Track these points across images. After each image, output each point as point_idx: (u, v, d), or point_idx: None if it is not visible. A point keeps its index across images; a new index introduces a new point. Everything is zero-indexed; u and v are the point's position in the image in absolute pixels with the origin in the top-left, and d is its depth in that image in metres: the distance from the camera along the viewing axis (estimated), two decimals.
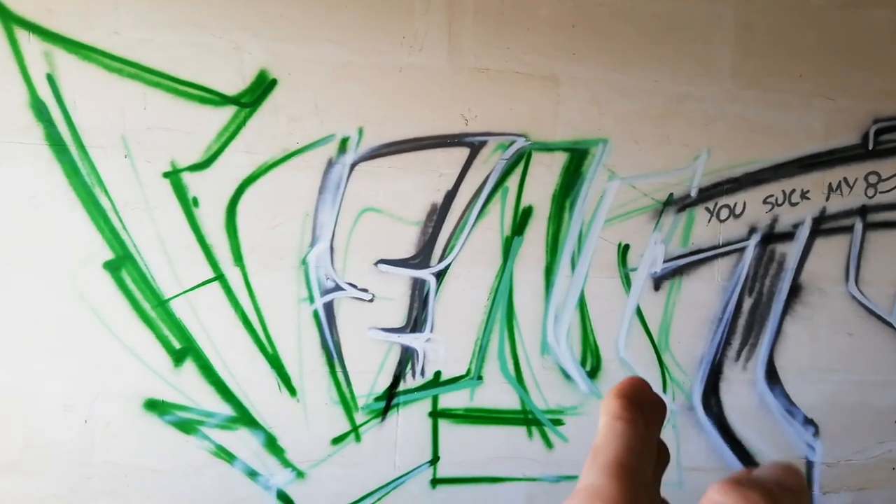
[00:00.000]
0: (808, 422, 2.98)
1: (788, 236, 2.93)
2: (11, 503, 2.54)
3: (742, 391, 2.96)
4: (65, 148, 2.45)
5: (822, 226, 2.94)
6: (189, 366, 2.57)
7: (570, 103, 2.75)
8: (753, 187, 2.91)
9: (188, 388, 2.57)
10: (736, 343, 2.93)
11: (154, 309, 2.53)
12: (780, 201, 2.91)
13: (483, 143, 2.70)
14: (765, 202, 2.91)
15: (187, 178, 2.53)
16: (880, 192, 2.99)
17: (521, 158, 2.73)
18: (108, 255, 2.49)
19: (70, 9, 2.45)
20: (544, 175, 2.76)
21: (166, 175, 2.50)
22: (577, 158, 2.77)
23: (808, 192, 2.93)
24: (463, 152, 2.69)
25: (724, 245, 2.89)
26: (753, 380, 2.96)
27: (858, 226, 2.97)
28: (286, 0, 2.54)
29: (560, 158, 2.76)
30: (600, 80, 2.77)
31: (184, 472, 2.61)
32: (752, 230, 2.90)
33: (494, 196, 2.72)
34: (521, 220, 2.74)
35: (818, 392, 3.01)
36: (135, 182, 2.49)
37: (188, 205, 2.52)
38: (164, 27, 2.51)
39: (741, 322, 2.93)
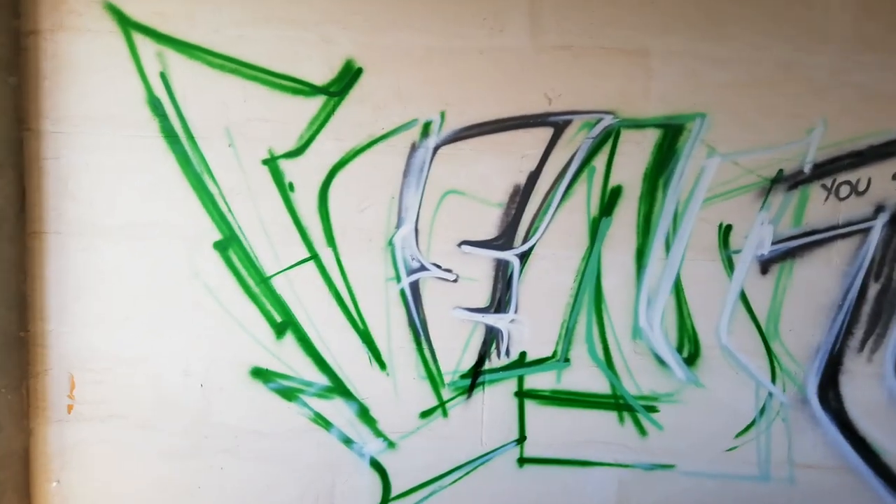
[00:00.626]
0: None
1: None
2: (145, 453, 3.30)
3: (867, 385, 3.06)
4: (177, 139, 3.13)
5: None
6: (289, 338, 3.20)
7: (663, 77, 2.99)
8: (880, 161, 2.96)
9: (289, 358, 3.21)
10: (859, 333, 3.04)
11: (258, 285, 3.18)
12: None
13: (568, 122, 3.03)
14: (894, 178, 2.99)
15: (283, 164, 3.12)
16: None
17: (609, 137, 3.03)
18: (217, 236, 3.17)
19: (177, 10, 3.08)
20: (634, 153, 3.03)
21: (265, 162, 3.13)
22: (671, 135, 3.01)
23: None
24: (546, 132, 3.04)
25: (844, 225, 3.00)
26: (881, 373, 3.05)
27: None
28: None
29: (652, 135, 3.02)
30: (696, 52, 2.97)
31: (286, 436, 3.24)
32: (880, 209, 2.98)
33: (580, 176, 3.06)
34: (610, 200, 3.06)
35: None
36: (238, 169, 3.14)
37: (285, 190, 3.13)
38: (259, 23, 3.07)
39: (866, 310, 3.03)
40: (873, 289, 3.10)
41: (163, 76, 3.21)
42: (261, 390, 3.33)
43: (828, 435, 3.18)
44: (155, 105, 3.22)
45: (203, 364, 3.34)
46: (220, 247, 3.27)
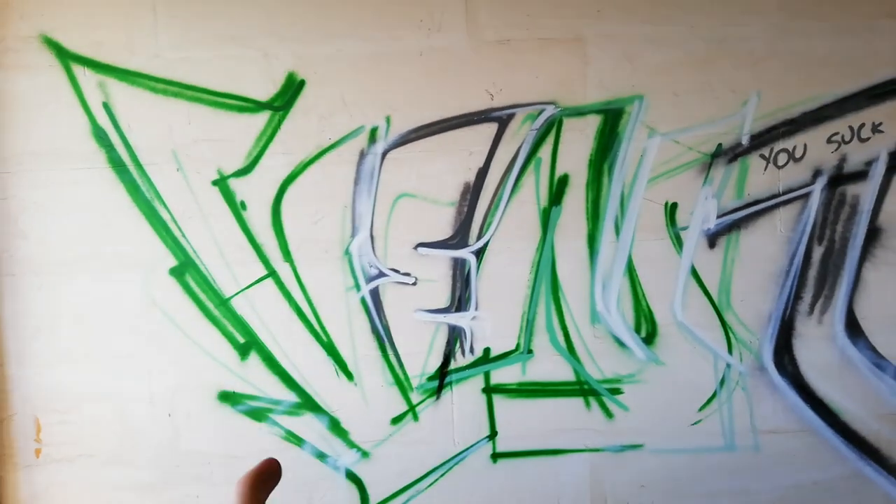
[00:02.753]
0: None
1: (861, 175, 2.26)
2: (119, 488, 2.37)
3: (820, 347, 2.32)
4: (125, 168, 2.28)
5: None
6: (254, 358, 2.34)
7: (600, 63, 2.25)
8: (815, 126, 2.25)
9: (255, 378, 2.34)
10: (808, 296, 2.31)
11: (217, 308, 2.32)
12: (847, 138, 2.25)
13: (511, 116, 2.27)
14: (829, 141, 2.26)
15: (233, 183, 2.29)
16: None
17: (552, 126, 2.27)
18: (173, 262, 2.31)
19: (115, 39, 2.26)
20: (578, 141, 2.27)
21: (215, 183, 2.29)
22: (611, 119, 2.27)
23: (880, 124, 2.24)
24: (491, 128, 2.27)
25: (784, 193, 2.28)
26: (832, 334, 2.31)
27: None
28: (305, 2, 2.25)
29: (593, 122, 2.27)
30: (631, 35, 2.25)
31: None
32: (817, 173, 2.27)
33: (527, 168, 2.29)
34: (558, 189, 2.29)
35: None
36: (188, 192, 2.29)
37: (237, 209, 2.30)
38: (197, 45, 2.26)
39: (812, 273, 2.30)
40: (817, 252, 2.32)
41: (106, 106, 2.31)
42: (229, 413, 2.38)
43: (787, 399, 2.36)
44: (100, 136, 2.32)
45: (168, 392, 2.39)
46: (177, 272, 2.35)
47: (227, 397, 2.38)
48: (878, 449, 2.36)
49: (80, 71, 2.31)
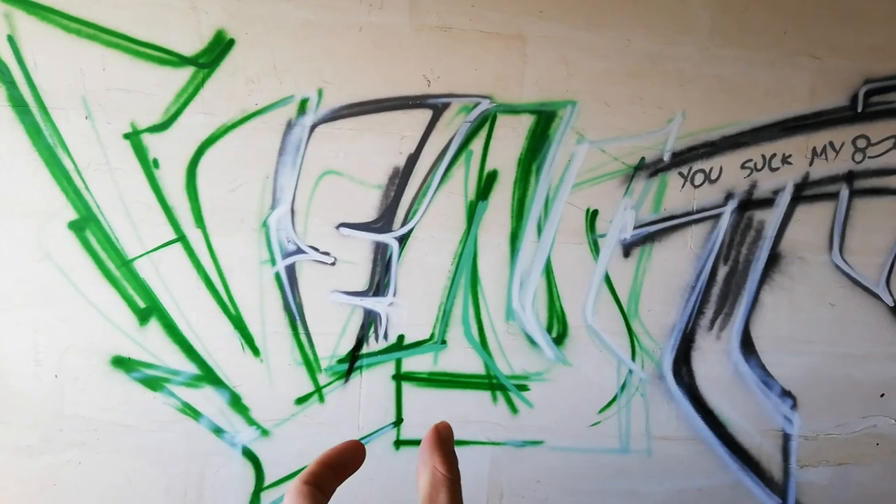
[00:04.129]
0: (786, 394, 2.02)
1: (768, 203, 1.95)
2: None
3: (715, 361, 1.99)
4: (27, 109, 1.72)
5: (805, 192, 1.95)
6: (154, 325, 1.81)
7: (538, 64, 1.84)
8: (731, 151, 1.92)
9: (154, 346, 1.82)
10: (709, 312, 1.98)
11: (118, 269, 1.78)
12: (759, 166, 1.93)
13: (446, 105, 1.83)
14: (743, 167, 1.93)
15: (147, 139, 1.75)
16: (869, 157, 1.95)
17: (486, 121, 1.84)
18: (73, 215, 1.76)
19: None
20: (510, 138, 1.86)
21: (126, 136, 1.75)
22: (544, 121, 1.86)
23: (790, 156, 1.93)
24: (426, 114, 1.83)
25: (698, 211, 1.93)
26: (727, 349, 1.99)
27: (844, 192, 1.96)
28: None
29: (526, 121, 1.86)
30: (569, 39, 1.84)
31: (151, 428, 1.85)
32: (729, 196, 1.94)
33: (458, 159, 1.85)
34: (486, 184, 1.87)
35: (797, 364, 2.02)
36: (96, 143, 1.74)
37: (149, 166, 1.76)
38: None
39: (715, 291, 1.97)
40: (722, 271, 1.99)
41: (10, 39, 1.73)
42: (122, 380, 1.85)
43: (681, 408, 2.02)
44: (2, 71, 1.72)
45: (56, 353, 1.82)
46: (76, 227, 1.79)
47: (121, 363, 1.84)
48: (759, 462, 2.06)
49: None
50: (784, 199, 1.98)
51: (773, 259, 2.00)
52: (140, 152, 1.79)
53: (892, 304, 2.04)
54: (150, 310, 1.84)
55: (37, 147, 1.76)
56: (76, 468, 1.87)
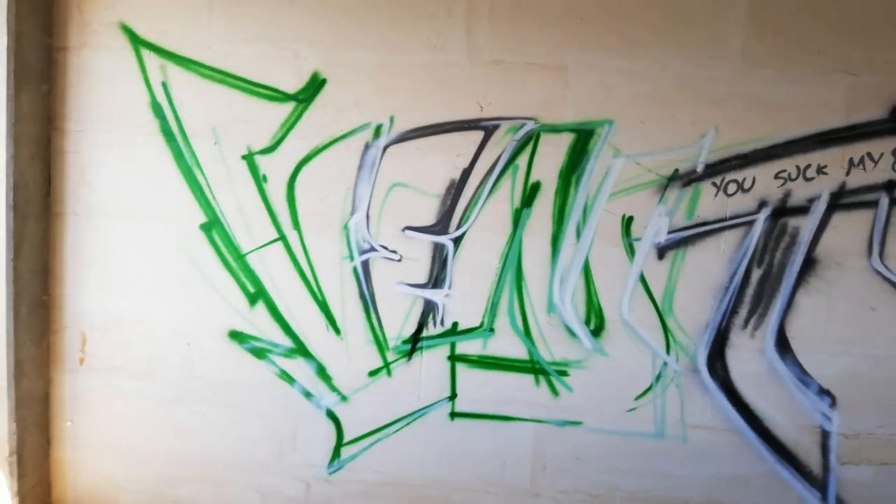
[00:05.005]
0: (824, 392, 1.86)
1: (802, 210, 1.82)
2: (141, 399, 2.10)
3: (750, 358, 1.88)
4: (173, 137, 1.99)
5: (842, 200, 1.80)
6: (260, 306, 2.02)
7: (578, 88, 1.85)
8: (764, 163, 1.82)
9: (260, 323, 2.02)
10: (743, 312, 1.87)
11: (235, 261, 2.01)
12: (793, 176, 1.81)
13: (496, 127, 1.89)
14: (777, 177, 1.82)
15: (259, 159, 1.97)
16: None
17: (531, 139, 1.88)
18: (203, 219, 2.01)
19: (177, 30, 1.97)
20: (552, 154, 1.88)
21: (243, 157, 1.97)
22: (583, 138, 1.87)
23: (825, 167, 1.80)
24: (478, 135, 1.90)
25: (731, 218, 1.85)
26: (762, 348, 1.87)
27: (884, 200, 1.78)
28: (334, 13, 1.91)
29: (567, 139, 1.87)
30: (608, 67, 1.84)
31: (257, 389, 2.04)
32: (763, 204, 1.83)
33: (506, 173, 1.90)
34: (530, 194, 1.90)
35: (835, 364, 1.86)
36: (221, 163, 1.98)
37: (259, 181, 1.98)
38: (242, 41, 1.95)
39: (749, 292, 1.86)
40: (756, 274, 1.89)
41: (164, 85, 2.03)
42: (236, 350, 2.07)
43: (715, 400, 1.93)
44: (157, 109, 2.03)
45: (189, 326, 2.09)
46: (206, 228, 2.05)
47: (236, 336, 2.07)
48: (797, 456, 1.91)
49: (146, 54, 2.01)
50: (819, 207, 1.85)
51: (809, 263, 1.87)
52: (253, 170, 2.02)
53: None
54: (257, 294, 2.05)
55: (179, 166, 2.04)
56: (202, 418, 2.11)
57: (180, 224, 2.05)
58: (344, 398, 2.05)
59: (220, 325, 2.07)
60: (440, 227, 1.98)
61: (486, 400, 2.01)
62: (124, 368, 2.12)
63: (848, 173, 1.83)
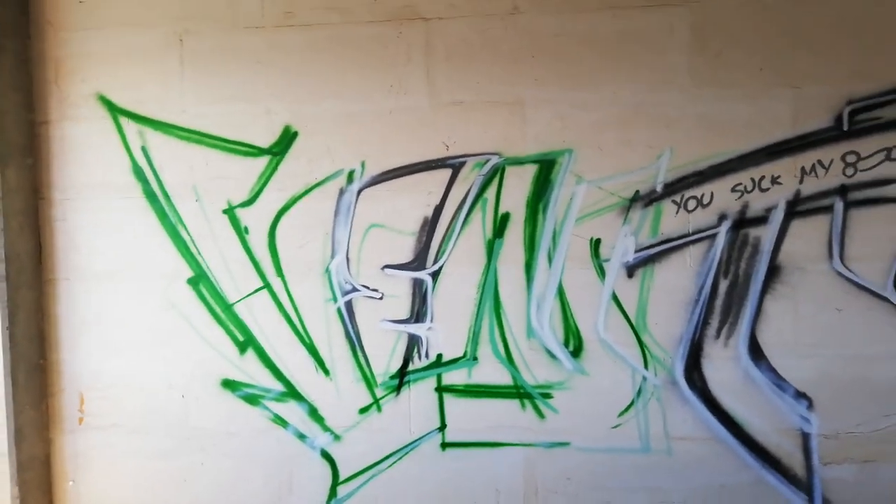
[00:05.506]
0: (801, 395, 1.78)
1: (761, 220, 1.76)
2: (139, 454, 2.01)
3: (725, 366, 1.80)
4: (156, 198, 1.94)
5: (798, 208, 1.74)
6: (250, 353, 1.95)
7: (536, 122, 1.81)
8: (719, 178, 1.76)
9: (251, 370, 1.95)
10: (715, 322, 1.79)
11: (223, 311, 1.94)
12: (749, 188, 1.76)
13: (462, 164, 1.84)
14: (733, 190, 1.76)
15: (239, 212, 1.92)
16: (861, 171, 1.71)
17: (497, 173, 1.84)
18: (190, 273, 1.95)
19: (152, 97, 1.93)
20: (518, 185, 1.83)
21: (224, 212, 1.93)
22: (545, 168, 1.82)
23: (778, 177, 1.74)
24: (446, 173, 1.85)
25: (693, 233, 1.78)
26: (736, 356, 1.79)
27: (839, 205, 1.72)
28: (300, 69, 1.88)
29: (531, 170, 1.82)
30: (562, 99, 1.80)
31: (251, 435, 1.96)
32: (722, 217, 1.77)
33: (475, 207, 1.85)
34: (500, 225, 1.85)
35: (809, 367, 1.77)
36: (203, 219, 1.93)
37: (241, 233, 1.92)
38: (215, 102, 1.91)
39: (718, 303, 1.79)
40: (723, 285, 1.83)
41: (143, 149, 1.98)
42: (229, 398, 1.99)
43: (696, 411, 1.86)
44: (138, 172, 1.98)
45: (183, 378, 2.01)
46: (192, 282, 1.99)
47: (228, 384, 1.99)
48: (780, 460, 1.82)
49: (124, 121, 1.97)
50: (777, 216, 1.80)
51: (773, 271, 1.81)
52: (235, 223, 1.96)
53: None
54: (247, 342, 1.98)
55: (163, 225, 1.98)
56: (200, 468, 2.01)
57: (168, 280, 1.99)
58: (337, 437, 1.97)
59: (213, 374, 1.99)
60: (418, 262, 1.92)
61: (474, 428, 1.92)
62: (122, 425, 2.03)
63: (801, 181, 1.78)
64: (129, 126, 1.98)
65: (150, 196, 1.98)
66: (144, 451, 2.03)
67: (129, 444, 2.03)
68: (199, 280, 1.98)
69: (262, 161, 1.94)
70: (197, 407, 2.00)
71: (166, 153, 1.97)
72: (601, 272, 1.86)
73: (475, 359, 1.91)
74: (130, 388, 2.02)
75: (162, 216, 1.98)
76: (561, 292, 1.88)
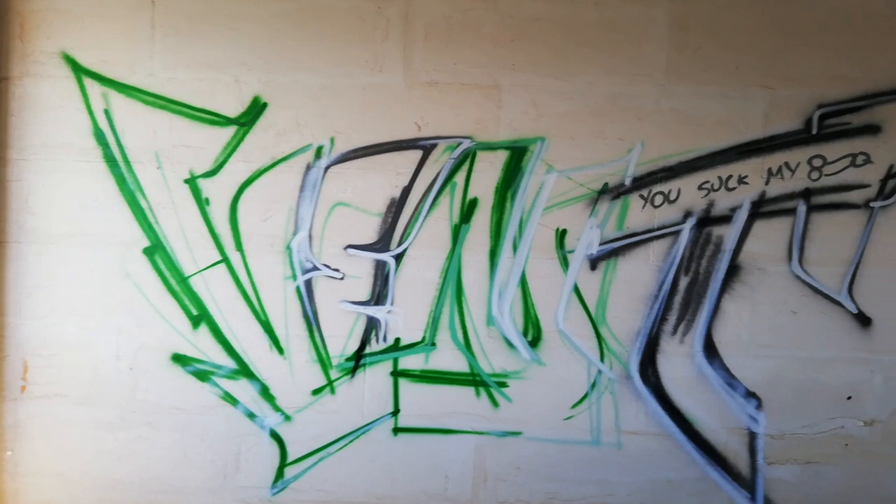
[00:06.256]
0: (751, 395, 1.61)
1: (725, 219, 1.59)
2: (83, 425, 1.73)
3: (679, 363, 1.62)
4: (116, 164, 1.66)
5: (762, 209, 1.58)
6: (204, 329, 1.68)
7: (511, 108, 1.60)
8: (688, 175, 1.58)
9: (203, 345, 1.68)
10: (672, 318, 1.62)
11: (178, 284, 1.67)
12: (716, 187, 1.58)
13: (434, 146, 1.62)
14: (700, 188, 1.58)
15: (201, 183, 1.66)
16: (826, 175, 1.56)
17: (467, 157, 1.62)
18: (146, 242, 1.67)
19: (119, 58, 1.65)
20: (488, 171, 1.62)
21: (186, 181, 1.66)
22: (517, 155, 1.61)
23: (745, 177, 1.57)
24: (416, 154, 1.62)
25: (658, 228, 1.60)
26: (691, 353, 1.61)
27: (802, 208, 1.56)
28: (273, 39, 1.63)
29: (502, 156, 1.61)
30: (539, 86, 1.59)
31: (200, 411, 1.69)
32: (688, 214, 1.59)
33: (444, 190, 1.63)
34: (468, 210, 1.63)
35: (761, 367, 1.61)
36: (164, 187, 1.66)
37: (202, 204, 1.66)
38: (184, 68, 1.64)
39: (677, 299, 1.61)
40: (683, 282, 1.63)
41: (106, 112, 1.69)
42: (179, 373, 1.71)
43: (648, 406, 1.65)
44: (99, 136, 1.68)
45: (132, 350, 1.71)
46: (148, 252, 1.69)
47: (179, 359, 1.72)
48: (726, 458, 1.62)
49: (88, 82, 1.69)
50: (741, 216, 1.62)
51: (733, 270, 1.63)
52: (196, 193, 1.70)
53: (855, 311, 1.63)
54: (200, 317, 1.73)
55: (122, 192, 1.71)
56: (144, 442, 1.75)
57: (123, 249, 1.71)
58: (288, 418, 1.73)
59: (164, 348, 1.72)
60: (382, 244, 1.69)
61: (428, 414, 1.69)
62: (66, 395, 1.74)
63: (767, 182, 1.61)
64: (93, 87, 1.70)
65: (110, 161, 1.71)
66: (88, 422, 1.74)
67: (73, 414, 1.74)
68: (156, 250, 1.72)
69: (229, 131, 1.69)
70: (145, 380, 1.74)
71: (130, 117, 1.69)
72: (565, 263, 1.66)
73: (433, 344, 1.69)
74: (77, 357, 1.74)
75: (121, 182, 1.71)
76: (524, 281, 1.67)
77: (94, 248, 1.68)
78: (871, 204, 1.52)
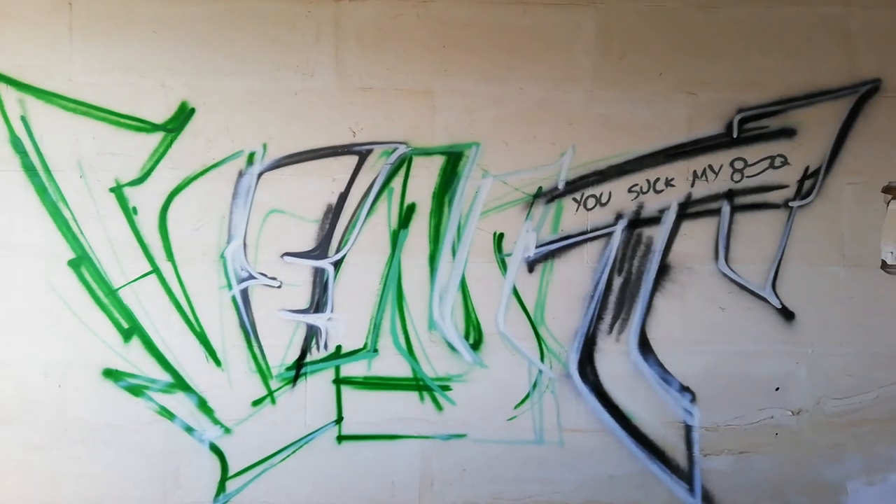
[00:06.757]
0: (685, 389, 1.62)
1: (655, 221, 1.59)
2: (11, 446, 1.61)
3: (616, 360, 1.62)
4: (36, 172, 1.54)
5: (689, 210, 1.59)
6: (135, 342, 1.59)
7: (445, 113, 1.56)
8: (618, 178, 1.58)
9: (136, 359, 1.59)
10: (608, 317, 1.62)
11: (107, 297, 1.57)
12: (644, 189, 1.59)
13: (369, 151, 1.57)
14: (630, 191, 1.58)
15: (128, 191, 1.56)
16: (747, 177, 1.58)
17: (404, 162, 1.58)
18: (71, 255, 1.56)
19: (35, 63, 1.53)
20: (424, 176, 1.58)
21: (112, 190, 1.56)
22: (453, 160, 1.58)
23: (672, 179, 1.58)
24: (352, 160, 1.57)
25: (591, 231, 1.60)
26: (627, 350, 1.62)
27: (726, 208, 1.58)
28: (199, 43, 1.55)
29: (438, 161, 1.58)
30: (471, 91, 1.56)
31: (135, 427, 1.59)
32: (619, 216, 1.60)
33: (381, 196, 1.59)
34: (406, 215, 1.59)
35: (693, 362, 1.62)
36: (88, 197, 1.56)
37: (129, 213, 1.57)
38: (106, 72, 1.53)
39: (612, 299, 1.61)
40: (617, 281, 1.62)
41: (23, 119, 1.55)
42: (111, 388, 1.59)
43: (588, 403, 1.62)
44: (16, 144, 1.54)
45: (61, 367, 1.58)
46: (74, 264, 1.56)
47: (111, 374, 1.62)
48: (664, 451, 1.62)
49: (3, 88, 1.54)
50: (669, 217, 1.63)
51: (664, 270, 1.64)
52: (122, 202, 1.58)
53: (779, 307, 1.68)
54: (132, 330, 1.63)
55: (44, 202, 1.57)
56: (77, 462, 1.63)
57: (47, 261, 1.57)
58: (227, 430, 1.65)
59: (94, 363, 1.59)
60: (319, 251, 1.64)
61: (372, 421, 1.64)
62: None
63: (693, 184, 1.62)
64: (9, 93, 1.55)
65: (30, 170, 1.58)
66: (17, 442, 1.58)
67: (6, 435, 1.65)
68: (81, 262, 1.61)
69: (156, 138, 1.59)
70: (76, 397, 1.62)
71: (49, 124, 1.55)
72: (503, 266, 1.64)
73: (375, 350, 1.65)
74: (2, 375, 1.62)
75: (41, 192, 1.59)
76: (464, 285, 1.65)
77: (16, 260, 1.55)
78: (790, 203, 1.56)
